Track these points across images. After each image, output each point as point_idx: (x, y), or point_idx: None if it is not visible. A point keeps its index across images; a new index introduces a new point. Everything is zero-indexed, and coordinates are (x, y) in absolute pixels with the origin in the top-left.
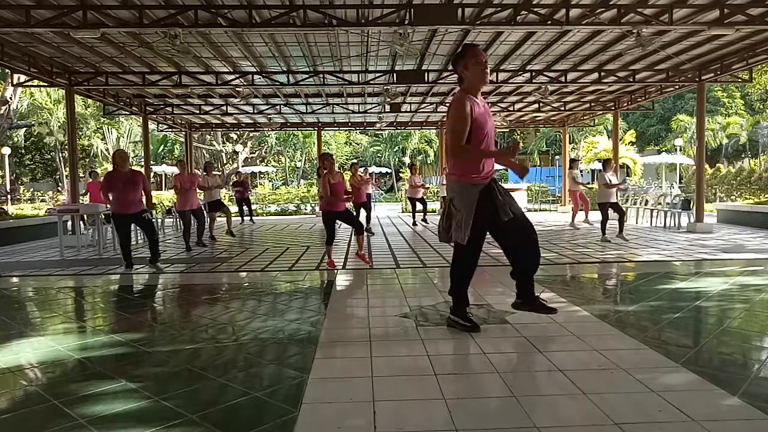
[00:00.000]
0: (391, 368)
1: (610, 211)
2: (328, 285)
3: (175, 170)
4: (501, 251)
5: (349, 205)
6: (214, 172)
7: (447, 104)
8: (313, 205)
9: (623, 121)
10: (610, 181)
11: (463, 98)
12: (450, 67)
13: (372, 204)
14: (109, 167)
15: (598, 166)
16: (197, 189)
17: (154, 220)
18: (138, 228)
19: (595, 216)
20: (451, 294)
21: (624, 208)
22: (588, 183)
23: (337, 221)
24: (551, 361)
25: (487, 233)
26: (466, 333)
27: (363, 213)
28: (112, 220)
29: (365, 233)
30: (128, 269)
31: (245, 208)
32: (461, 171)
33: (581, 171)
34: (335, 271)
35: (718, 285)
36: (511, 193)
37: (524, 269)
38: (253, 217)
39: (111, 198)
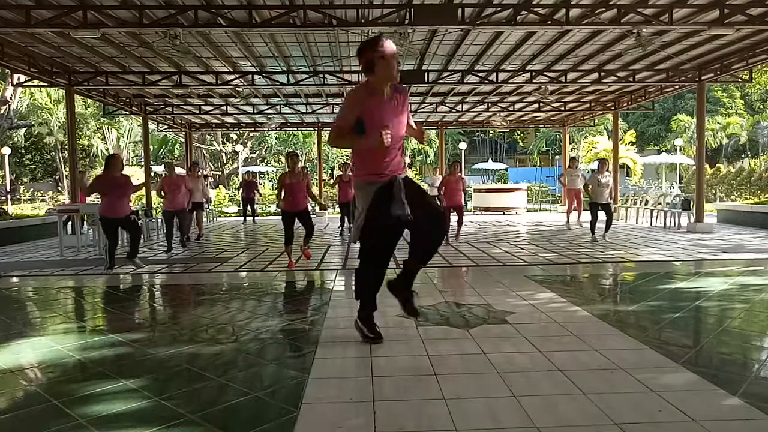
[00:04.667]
0: (391, 368)
1: (602, 213)
2: (328, 285)
3: (179, 171)
4: (501, 251)
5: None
6: (198, 173)
7: (447, 104)
8: (313, 205)
9: (623, 121)
10: (599, 181)
11: (358, 88)
12: (450, 67)
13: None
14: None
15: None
16: (186, 190)
17: (153, 220)
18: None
19: (585, 216)
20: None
21: (613, 210)
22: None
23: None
24: (551, 361)
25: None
26: (465, 332)
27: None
28: (101, 222)
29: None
30: (109, 270)
31: (248, 208)
32: (359, 169)
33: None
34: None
35: (718, 285)
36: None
37: (427, 251)
38: (255, 218)
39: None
